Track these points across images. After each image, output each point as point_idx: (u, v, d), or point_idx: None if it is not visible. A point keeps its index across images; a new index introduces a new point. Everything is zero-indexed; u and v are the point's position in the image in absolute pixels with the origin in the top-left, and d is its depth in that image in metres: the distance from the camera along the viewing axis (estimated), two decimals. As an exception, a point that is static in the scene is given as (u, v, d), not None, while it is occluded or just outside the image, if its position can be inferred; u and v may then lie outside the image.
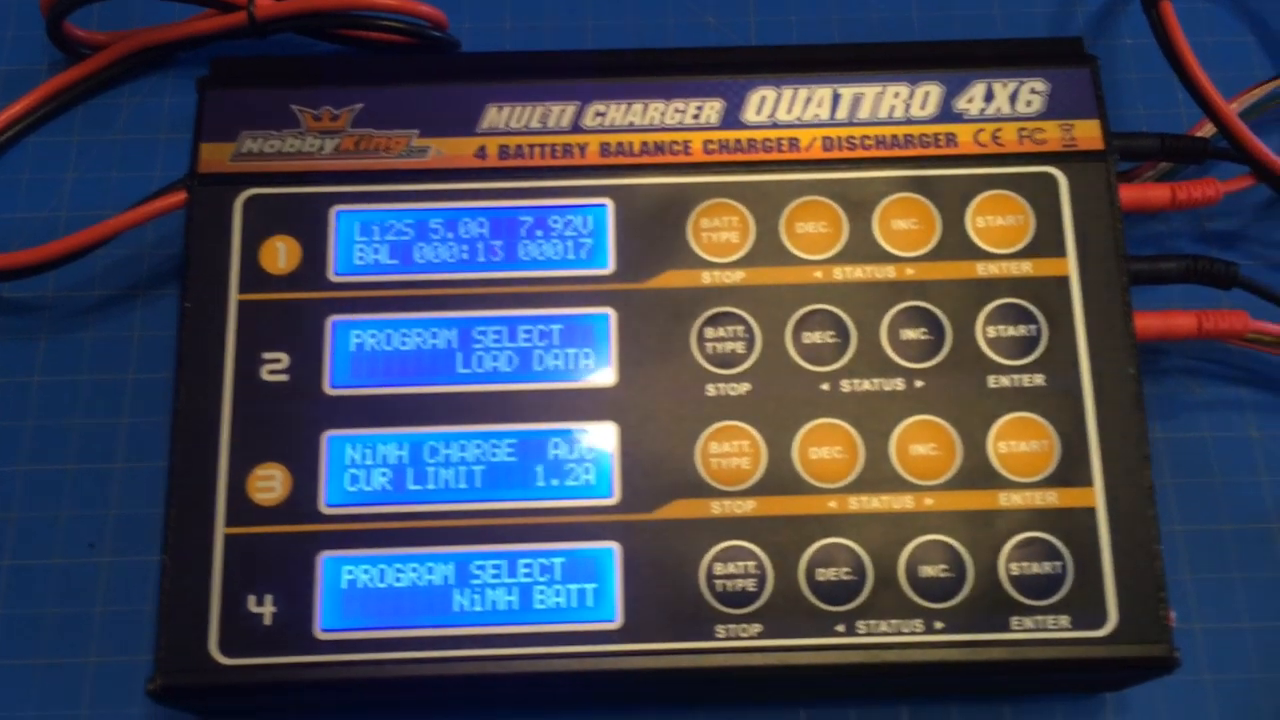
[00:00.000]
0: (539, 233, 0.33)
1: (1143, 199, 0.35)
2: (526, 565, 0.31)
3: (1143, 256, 0.35)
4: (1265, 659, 0.34)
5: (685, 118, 0.34)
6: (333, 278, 0.32)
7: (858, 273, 0.33)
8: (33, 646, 0.34)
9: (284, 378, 0.31)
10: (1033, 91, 0.34)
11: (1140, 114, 0.41)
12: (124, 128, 0.41)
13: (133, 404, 0.37)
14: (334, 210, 0.33)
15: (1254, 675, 0.34)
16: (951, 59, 0.34)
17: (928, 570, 0.31)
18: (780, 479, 0.31)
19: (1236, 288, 0.35)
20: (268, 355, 0.32)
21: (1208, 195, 0.35)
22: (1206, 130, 0.37)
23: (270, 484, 0.31)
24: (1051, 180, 0.33)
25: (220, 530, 0.30)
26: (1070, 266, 0.33)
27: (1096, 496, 0.31)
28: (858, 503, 0.31)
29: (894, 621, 0.30)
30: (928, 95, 0.34)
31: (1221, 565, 0.36)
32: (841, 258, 0.33)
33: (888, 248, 0.33)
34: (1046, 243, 0.33)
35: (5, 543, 0.35)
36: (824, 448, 0.31)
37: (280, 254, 0.32)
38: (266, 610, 0.30)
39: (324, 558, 0.30)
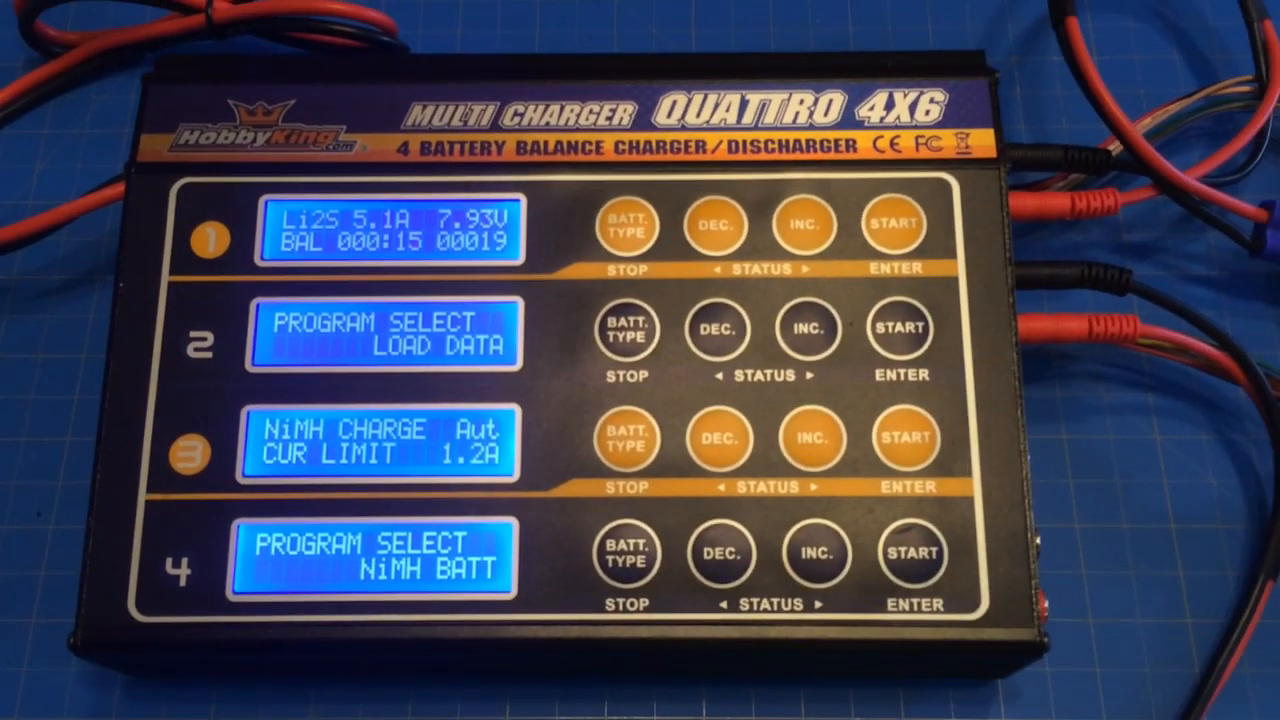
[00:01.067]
0: (456, 225, 0.35)
1: (1042, 206, 0.37)
2: (430, 538, 0.32)
3: (1039, 261, 0.36)
4: (1156, 654, 0.35)
5: (599, 119, 0.35)
6: (260, 263, 0.34)
7: (755, 269, 0.34)
8: (-21, 606, 0.36)
9: (208, 355, 0.33)
10: (932, 101, 0.35)
11: (1063, 128, 0.42)
12: (91, 122, 0.43)
13: (84, 382, 0.39)
14: (263, 199, 0.35)
15: (1144, 669, 0.35)
16: (856, 68, 0.36)
17: (810, 552, 0.32)
18: (673, 462, 0.33)
19: (1131, 293, 0.36)
20: (194, 334, 0.33)
21: (1106, 205, 0.37)
22: (1116, 145, 0.38)
23: (191, 454, 0.33)
24: (945, 185, 0.35)
25: (142, 496, 0.32)
26: (959, 268, 0.34)
27: (974, 486, 0.32)
28: (746, 486, 0.32)
29: (775, 600, 0.32)
30: (831, 103, 0.35)
31: (1118, 562, 0.37)
32: (741, 254, 0.34)
33: (785, 246, 0.34)
34: (937, 245, 0.34)
35: (-42, 508, 0.37)
36: (716, 434, 0.33)
37: (210, 239, 0.34)
38: (182, 573, 0.32)
39: (239, 525, 0.32)
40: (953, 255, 0.34)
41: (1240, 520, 0.37)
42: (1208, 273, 0.40)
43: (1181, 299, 0.37)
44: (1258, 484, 0.37)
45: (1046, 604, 0.32)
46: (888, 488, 0.32)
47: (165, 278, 0.34)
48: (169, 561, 0.32)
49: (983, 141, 0.35)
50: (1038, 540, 0.32)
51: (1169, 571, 0.36)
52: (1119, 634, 0.36)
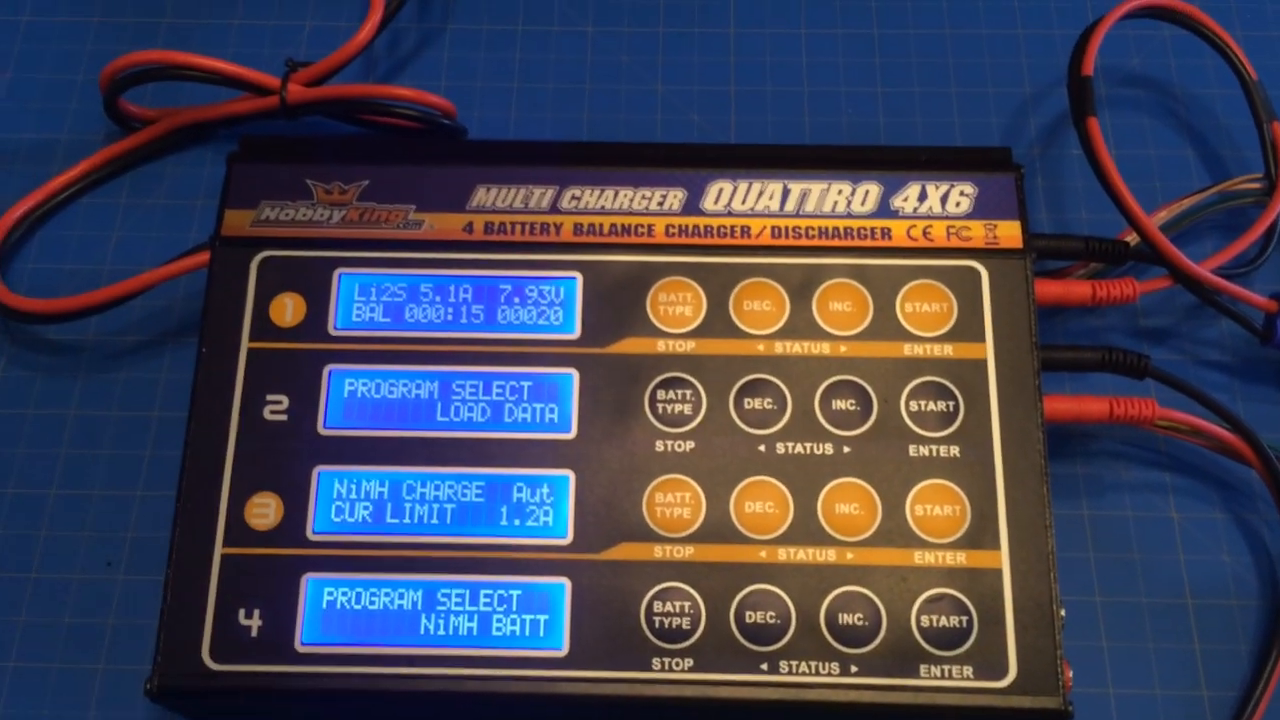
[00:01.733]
0: (516, 300, 0.37)
1: (1065, 294, 0.39)
2: (487, 595, 0.34)
3: (1062, 346, 0.38)
4: (1172, 724, 0.37)
5: (651, 204, 0.38)
6: (332, 331, 0.36)
7: (796, 347, 0.36)
8: (51, 652, 0.38)
9: (284, 418, 0.35)
10: (962, 194, 0.38)
11: (1083, 218, 0.45)
12: (166, 194, 0.45)
13: (155, 439, 0.41)
14: (337, 272, 0.37)
15: (1162, 739, 0.37)
16: (891, 162, 0.38)
17: (846, 618, 0.34)
18: (717, 529, 0.35)
19: (1149, 378, 0.39)
20: (271, 397, 0.36)
21: (1125, 293, 0.39)
22: (1135, 237, 0.41)
23: (265, 511, 0.35)
24: (975, 273, 0.37)
25: (218, 550, 0.34)
26: (988, 351, 0.36)
27: (1002, 559, 0.34)
28: (786, 554, 0.34)
29: (813, 663, 0.33)
30: (868, 193, 0.38)
31: (1137, 635, 0.38)
32: (783, 334, 0.36)
33: (825, 326, 0.36)
34: (967, 329, 0.36)
35: (34, 557, 0.39)
36: (758, 502, 0.35)
37: (288, 309, 0.37)
38: (254, 623, 0.34)
39: (308, 579, 0.34)
40: (982, 339, 0.36)
41: (1253, 596, 0.39)
42: (1220, 358, 0.42)
43: (1196, 383, 0.39)
44: (1269, 561, 0.39)
45: (1071, 673, 0.34)
46: (920, 558, 0.34)
47: (245, 344, 0.36)
48: (241, 613, 0.33)
49: (1010, 232, 0.37)
50: (1062, 612, 0.34)
51: (1186, 645, 0.38)
52: (1139, 705, 0.37)
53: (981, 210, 0.37)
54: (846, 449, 0.35)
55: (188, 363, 0.42)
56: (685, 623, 0.33)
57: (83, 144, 0.46)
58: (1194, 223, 0.43)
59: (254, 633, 0.33)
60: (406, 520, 0.35)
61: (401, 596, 0.34)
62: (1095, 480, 0.40)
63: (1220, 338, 0.43)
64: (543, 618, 0.34)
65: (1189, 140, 0.46)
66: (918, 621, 0.34)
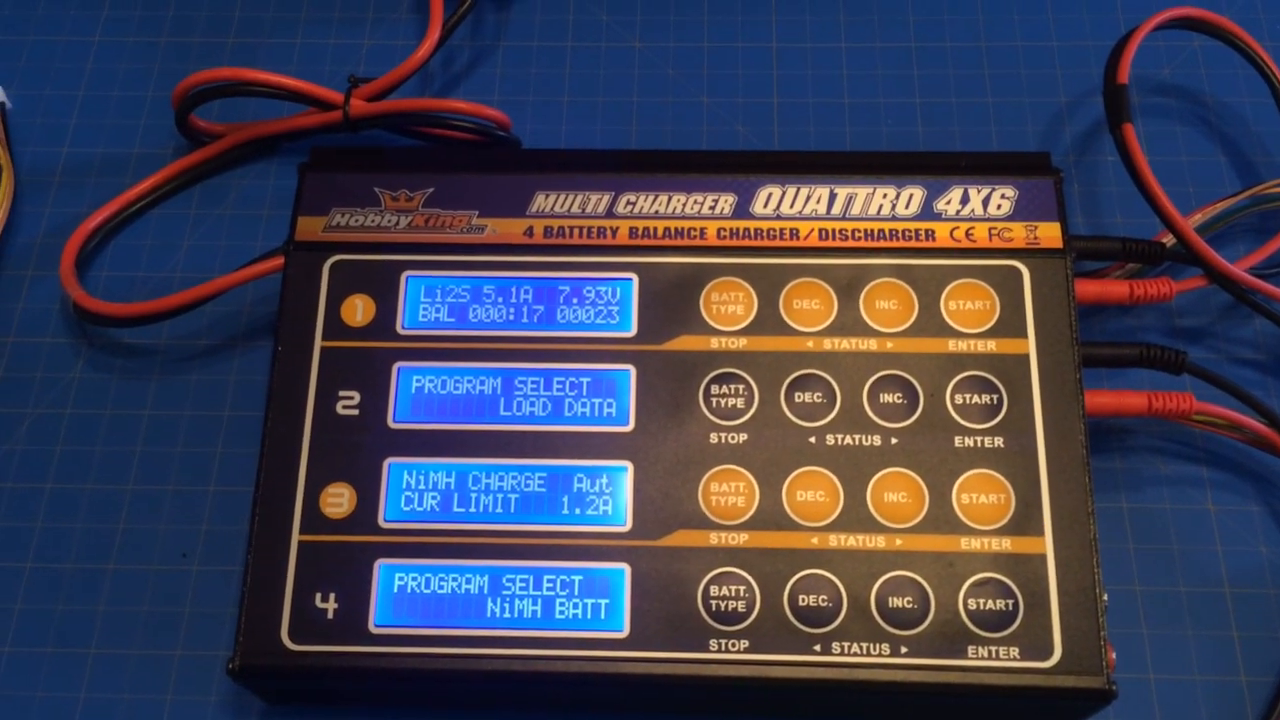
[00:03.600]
0: (574, 300, 0.39)
1: (1103, 293, 0.40)
2: (550, 580, 0.36)
3: (1102, 342, 0.40)
4: (1213, 709, 0.38)
5: (703, 208, 0.39)
6: (401, 331, 0.38)
7: (844, 344, 0.38)
8: (130, 639, 0.39)
9: (355, 412, 0.37)
10: (1003, 197, 0.39)
11: (1118, 222, 0.46)
12: (233, 204, 0.47)
13: (226, 437, 0.43)
14: (405, 275, 0.39)
15: (1202, 723, 0.38)
16: (934, 167, 0.40)
17: (895, 601, 0.35)
18: (770, 516, 0.36)
19: (1186, 373, 0.40)
20: (343, 393, 0.37)
21: (1162, 292, 0.40)
22: (1170, 238, 0.42)
23: (339, 500, 0.36)
24: (1016, 272, 0.38)
25: (295, 537, 0.36)
26: (1030, 346, 0.37)
27: (1046, 545, 0.35)
28: (837, 540, 0.36)
29: (864, 644, 0.35)
30: (912, 197, 0.39)
31: (1176, 623, 0.39)
32: (831, 331, 0.38)
33: (871, 324, 0.38)
34: (1010, 325, 0.38)
35: (112, 549, 0.41)
36: (809, 491, 0.36)
37: (358, 310, 0.38)
38: (330, 606, 0.35)
39: (380, 564, 0.36)
40: (1024, 335, 0.37)
41: (1290, 585, 0.40)
42: (1255, 356, 0.43)
43: (1231, 379, 0.40)
44: (1306, 552, 0.40)
45: (1114, 655, 0.35)
46: (966, 544, 0.35)
47: (318, 343, 0.38)
48: (318, 596, 0.35)
49: (1050, 233, 0.39)
50: (1105, 597, 0.35)
51: (1224, 632, 0.39)
52: (1179, 690, 0.38)
53: (1022, 212, 0.39)
54: (894, 440, 0.36)
55: (256, 365, 0.44)
56: (741, 606, 0.35)
57: (153, 158, 0.48)
58: (1227, 225, 0.44)
59: (330, 615, 0.35)
60: (472, 509, 0.36)
61: (469, 581, 0.35)
62: (1134, 474, 0.41)
63: (1255, 336, 0.44)
64: (604, 601, 0.35)
65: (1221, 146, 0.47)
66: (965, 604, 0.35)
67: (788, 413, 0.37)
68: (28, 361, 0.44)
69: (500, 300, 0.39)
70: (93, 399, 0.43)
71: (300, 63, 0.50)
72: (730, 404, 0.37)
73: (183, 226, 0.47)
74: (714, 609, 0.35)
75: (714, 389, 0.37)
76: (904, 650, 0.34)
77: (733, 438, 0.37)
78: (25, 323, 0.45)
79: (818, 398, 0.37)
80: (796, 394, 0.37)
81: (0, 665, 0.39)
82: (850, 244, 0.39)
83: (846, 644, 0.34)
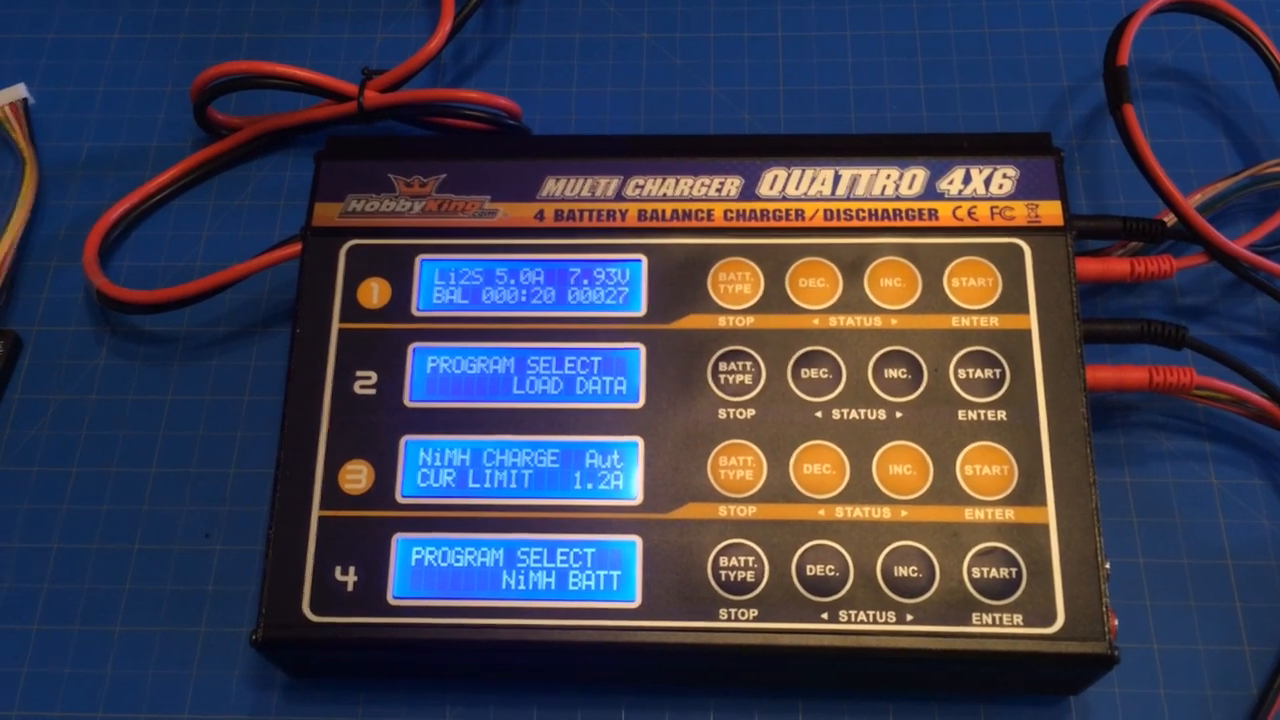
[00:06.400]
0: (585, 281, 0.39)
1: (1104, 270, 0.41)
2: (564, 553, 0.36)
3: (1103, 319, 0.40)
4: (1215, 677, 0.38)
5: (710, 191, 0.40)
6: (415, 313, 0.39)
7: (849, 321, 0.38)
8: (154, 617, 0.40)
9: (372, 391, 0.38)
10: (1005, 176, 0.40)
11: (1121, 203, 0.47)
12: (251, 195, 0.48)
13: (246, 420, 0.43)
14: (419, 259, 0.40)
15: (1205, 692, 0.38)
16: (936, 148, 0.41)
17: (901, 571, 0.36)
18: (778, 489, 0.37)
19: (1187, 348, 0.40)
20: (360, 373, 0.38)
21: (1163, 269, 0.41)
22: (1171, 217, 0.42)
23: (358, 477, 0.37)
24: (1018, 249, 0.39)
25: (316, 512, 0.37)
26: (1031, 322, 0.38)
27: (1049, 515, 0.36)
28: (843, 511, 0.36)
29: (871, 612, 0.35)
30: (915, 177, 0.40)
31: (1179, 594, 0.40)
32: (836, 308, 0.39)
33: (876, 301, 0.39)
34: (1012, 301, 0.38)
35: (136, 530, 0.42)
36: (816, 464, 0.37)
37: (374, 292, 0.39)
38: (350, 579, 0.36)
39: (398, 539, 0.37)
40: (1026, 310, 0.38)
41: (1292, 556, 0.40)
42: (1257, 333, 0.44)
43: (1234, 355, 0.41)
44: (1308, 523, 0.41)
45: (1116, 622, 0.35)
46: (970, 515, 0.36)
47: (336, 325, 0.39)
48: (338, 570, 0.36)
49: (1051, 212, 0.39)
50: (1107, 565, 0.36)
51: (1227, 603, 0.40)
52: (1182, 660, 0.39)
53: (1023, 191, 0.40)
54: (899, 414, 0.37)
55: (275, 350, 0.45)
56: (750, 576, 0.36)
57: (172, 151, 0.49)
58: (1227, 205, 0.45)
59: (350, 588, 0.36)
60: (487, 485, 0.37)
61: (484, 554, 0.36)
62: (1137, 449, 0.42)
63: (1256, 314, 0.44)
64: (616, 573, 0.36)
65: (1221, 129, 0.48)
66: (969, 573, 0.35)
67: (794, 388, 0.38)
68: (53, 350, 0.45)
69: (512, 282, 0.39)
70: (116, 385, 0.45)
71: (315, 57, 0.51)
72: (738, 380, 0.38)
73: (202, 217, 0.48)
74: (724, 579, 0.36)
75: (722, 366, 0.38)
76: (910, 618, 0.35)
77: (741, 413, 0.37)
78: (50, 312, 0.46)
79: (823, 374, 0.38)
80: (803, 370, 0.38)
81: (29, 643, 0.40)
82: (855, 224, 0.39)
83: (854, 612, 0.35)
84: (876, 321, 0.38)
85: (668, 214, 0.40)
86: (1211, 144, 0.48)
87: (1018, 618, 0.35)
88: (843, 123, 0.49)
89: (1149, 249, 0.43)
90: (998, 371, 0.37)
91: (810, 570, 0.36)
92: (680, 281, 0.39)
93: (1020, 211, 0.39)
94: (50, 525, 0.42)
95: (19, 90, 0.50)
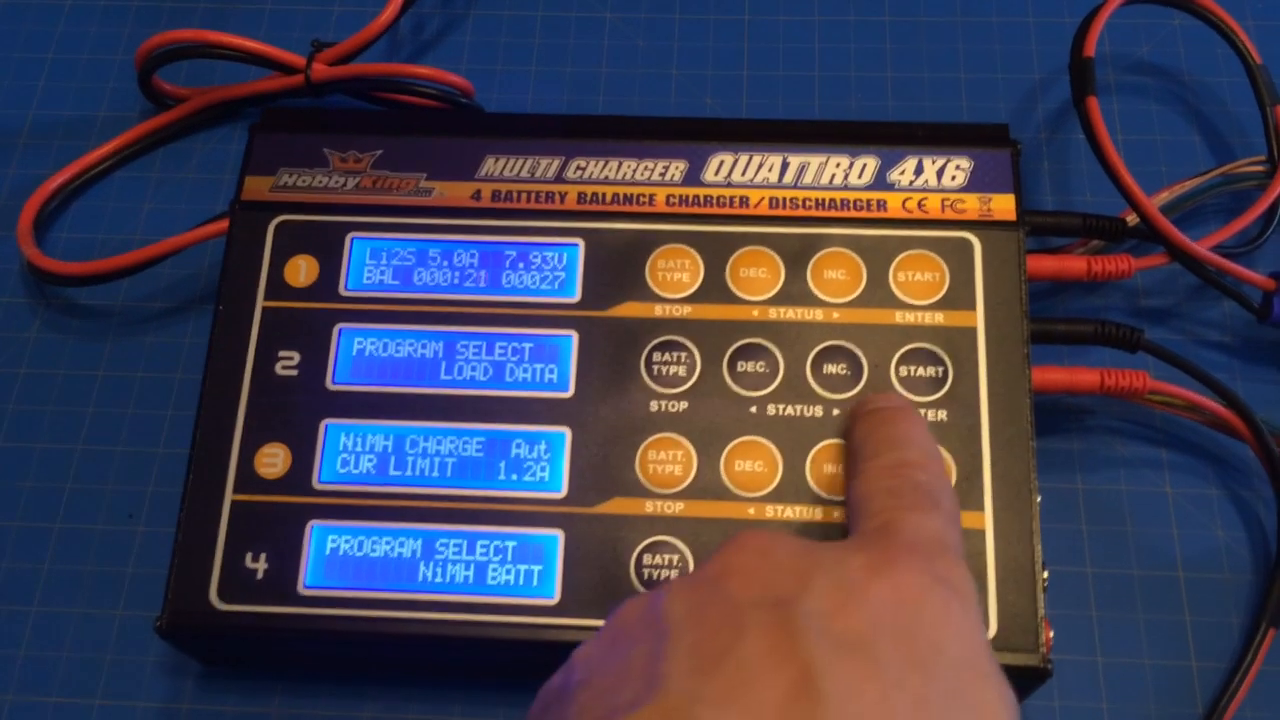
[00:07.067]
0: (520, 265, 0.38)
1: (1060, 268, 0.39)
2: (484, 545, 0.35)
3: (1056, 318, 0.39)
4: (1162, 694, 0.37)
5: (653, 174, 0.39)
6: (343, 292, 0.38)
7: (790, 313, 0.37)
8: (73, 597, 0.39)
9: (294, 373, 0.37)
10: (958, 168, 0.39)
11: (1088, 200, 0.45)
12: (195, 168, 0.47)
13: (177, 400, 0.43)
14: (350, 236, 0.39)
15: (1150, 708, 0.37)
16: (889, 137, 0.39)
17: (831, 574, 0.34)
18: (708, 486, 0.36)
19: (1143, 351, 0.39)
20: (283, 353, 0.37)
21: (1121, 269, 0.39)
22: (1134, 216, 0.41)
23: (274, 461, 0.36)
24: (967, 244, 0.38)
25: (229, 496, 0.36)
26: (978, 319, 0.37)
27: (986, 520, 0.35)
28: (774, 511, 0.35)
29: (798, 617, 0.34)
30: (865, 166, 0.39)
31: (1126, 606, 0.39)
32: (777, 300, 0.37)
33: (818, 294, 0.37)
34: (959, 298, 0.37)
35: (59, 508, 0.41)
36: (748, 461, 0.36)
37: (302, 270, 0.38)
38: (260, 567, 0.35)
39: (313, 526, 0.35)
40: (973, 307, 0.37)
41: (1245, 570, 0.39)
42: (1220, 339, 0.42)
43: (1195, 361, 0.39)
44: (1263, 537, 0.39)
45: (1052, 634, 0.34)
46: (905, 518, 0.35)
47: (260, 303, 0.38)
48: (249, 556, 0.35)
49: (1004, 206, 0.38)
50: (1046, 574, 0.34)
51: (1176, 616, 0.38)
52: (1126, 673, 0.38)
53: (977, 184, 0.38)
54: (836, 411, 0.36)
55: (210, 328, 0.44)
56: (674, 575, 0.34)
57: (119, 121, 0.48)
58: (1197, 205, 0.43)
59: (260, 575, 0.35)
60: (409, 472, 0.36)
61: (402, 545, 0.35)
62: (1090, 455, 0.41)
63: (1221, 318, 0.43)
64: (536, 568, 0.35)
65: (1196, 126, 0.47)
66: (902, 580, 0.34)
67: (730, 382, 0.36)
68: (-15, 321, 0.44)
69: (445, 264, 0.38)
70: (47, 359, 0.44)
71: (269, 28, 0.50)
72: (671, 372, 0.37)
73: (144, 189, 0.47)
74: (646, 577, 0.34)
75: (656, 356, 0.37)
76: (838, 624, 0.34)
77: (673, 406, 0.36)
78: (-16, 282, 0.45)
79: (760, 367, 0.36)
80: (739, 363, 0.37)
81: (-58, 620, 0.39)
82: (800, 213, 0.38)
83: (780, 616, 0.34)
84: (818, 315, 0.37)
85: (608, 197, 0.39)
86: (1185, 141, 0.46)
87: (950, 626, 0.33)
88: (806, 109, 0.47)
89: (1111, 248, 0.42)
90: (940, 370, 0.36)
91: (737, 571, 0.34)
92: (618, 268, 0.38)
93: (972, 205, 0.38)
94: (-28, 501, 0.41)
95: (-36, 55, 0.48)
